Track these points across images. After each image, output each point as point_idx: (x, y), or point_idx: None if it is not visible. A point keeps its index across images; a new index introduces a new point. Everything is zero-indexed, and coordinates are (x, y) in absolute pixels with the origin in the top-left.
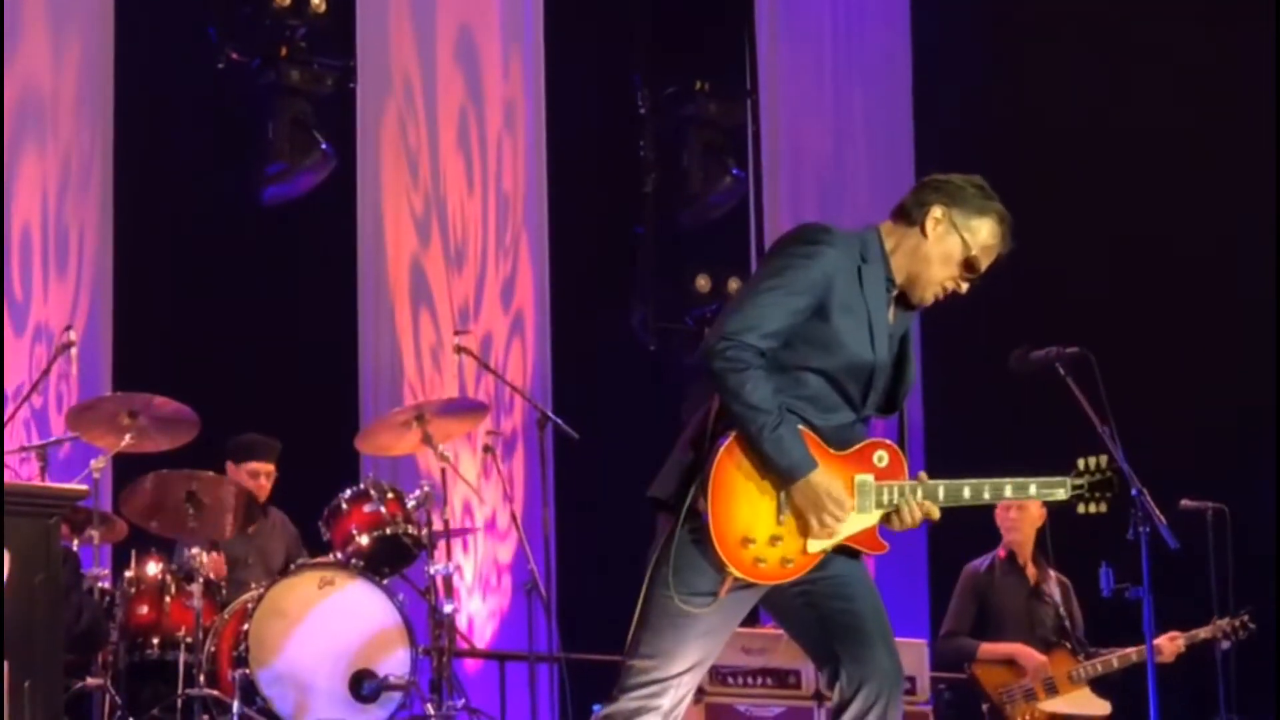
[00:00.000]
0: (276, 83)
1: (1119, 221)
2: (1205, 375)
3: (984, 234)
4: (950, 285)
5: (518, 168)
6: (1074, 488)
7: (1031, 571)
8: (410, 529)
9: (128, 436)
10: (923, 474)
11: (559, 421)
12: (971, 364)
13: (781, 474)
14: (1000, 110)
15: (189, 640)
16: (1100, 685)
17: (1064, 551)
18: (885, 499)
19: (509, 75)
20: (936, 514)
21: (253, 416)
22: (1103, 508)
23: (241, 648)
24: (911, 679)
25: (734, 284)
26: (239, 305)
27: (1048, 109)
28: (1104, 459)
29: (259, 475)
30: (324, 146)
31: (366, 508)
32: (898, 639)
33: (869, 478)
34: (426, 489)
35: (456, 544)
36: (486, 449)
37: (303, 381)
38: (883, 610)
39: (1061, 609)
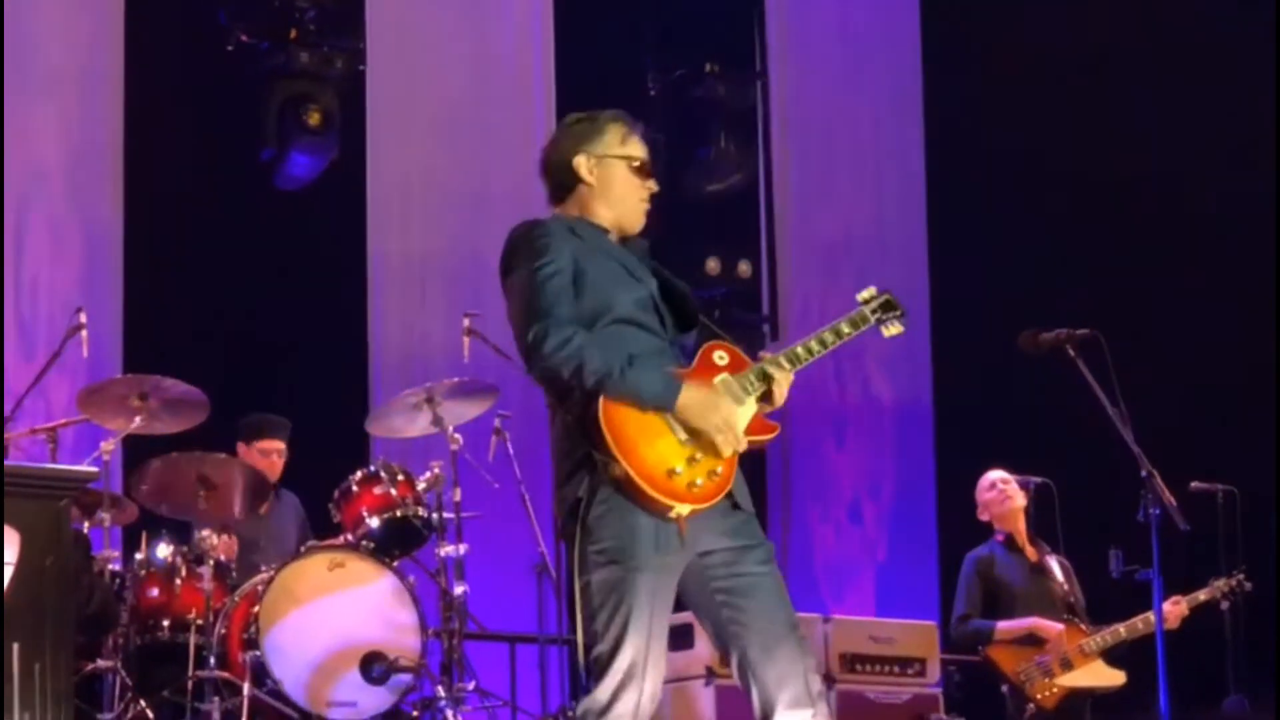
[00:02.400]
0: (285, 65)
1: (1132, 202)
2: (1216, 357)
3: (621, 142)
4: (646, 195)
5: (527, 150)
6: (871, 313)
7: (1031, 551)
8: (420, 511)
9: (138, 419)
10: (764, 353)
11: None
12: (982, 345)
13: (657, 405)
14: (1009, 89)
15: (199, 623)
16: (1111, 658)
17: (1072, 535)
18: (749, 386)
19: (519, 57)
20: (791, 377)
21: (263, 399)
22: (900, 328)
23: (252, 630)
24: (922, 661)
25: (744, 266)
26: (249, 287)
27: (1064, 88)
28: (872, 289)
29: (270, 454)
30: (312, 128)
31: (377, 490)
32: (907, 621)
33: (724, 376)
34: (437, 471)
35: (467, 526)
36: (497, 431)
37: (313, 364)
38: (786, 598)
39: (1065, 586)
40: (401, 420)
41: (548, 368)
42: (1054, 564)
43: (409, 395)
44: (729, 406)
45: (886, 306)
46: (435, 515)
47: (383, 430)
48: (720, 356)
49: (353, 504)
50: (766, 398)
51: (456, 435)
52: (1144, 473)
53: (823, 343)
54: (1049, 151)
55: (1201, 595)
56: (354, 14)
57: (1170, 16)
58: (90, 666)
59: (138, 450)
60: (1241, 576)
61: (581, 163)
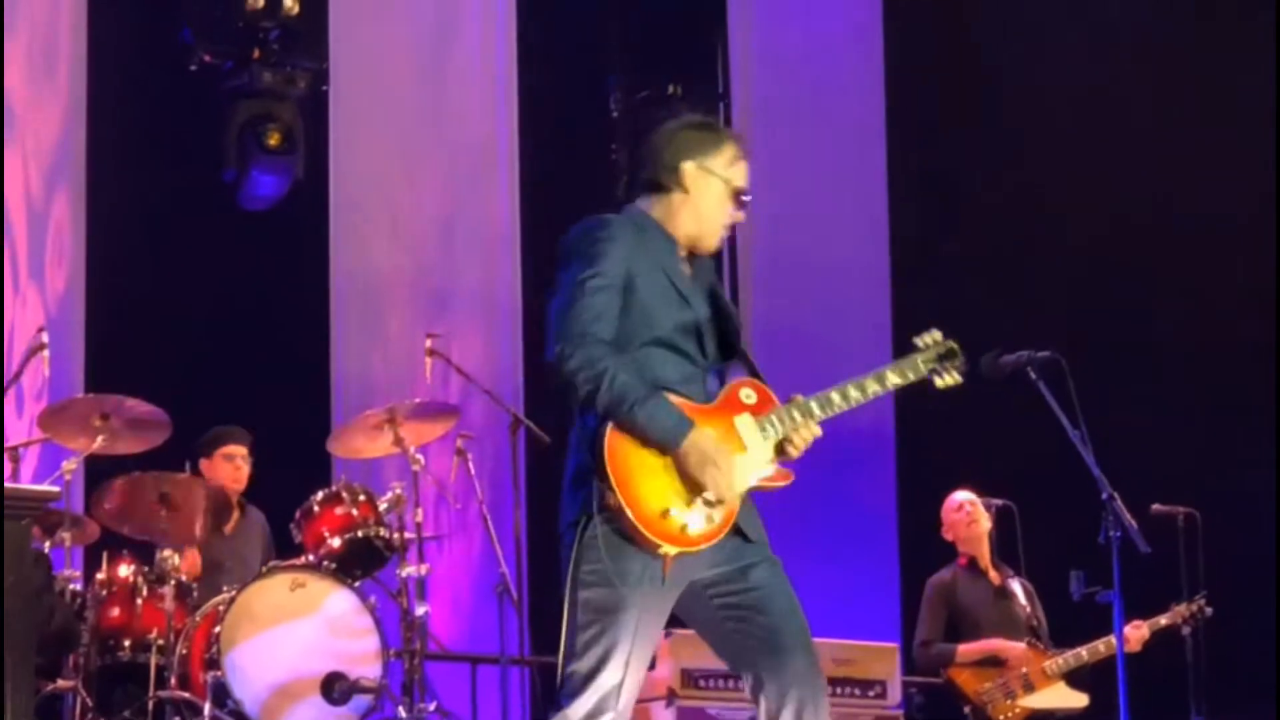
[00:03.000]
0: (248, 85)
1: (1090, 226)
2: (1177, 380)
3: (730, 163)
4: (728, 222)
5: (491, 170)
6: (925, 363)
7: (994, 574)
8: (382, 531)
9: (99, 438)
10: (796, 396)
11: (530, 425)
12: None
13: (662, 445)
14: (972, 114)
15: (160, 642)
16: (1073, 681)
17: (1034, 557)
18: (770, 430)
19: (482, 77)
20: (818, 430)
21: (225, 418)
22: (957, 379)
23: (213, 650)
24: (883, 683)
25: None
26: (212, 307)
27: (1022, 113)
28: (935, 333)
29: (234, 458)
30: (279, 152)
31: (338, 510)
32: (869, 643)
33: (746, 416)
34: (398, 491)
35: (428, 546)
36: (458, 452)
37: (275, 384)
38: (801, 615)
39: (1028, 609)
40: (363, 440)
41: (568, 383)
42: (1017, 587)
43: (371, 415)
44: (733, 459)
45: (948, 356)
46: (397, 536)
47: (344, 450)
48: (747, 394)
49: (314, 524)
50: (785, 445)
51: (418, 456)
52: (1105, 495)
53: (863, 391)
54: (1010, 176)
55: (1163, 620)
56: (317, 34)
57: (1130, 42)
58: (51, 687)
59: (99, 470)
60: (1203, 602)
61: (689, 169)
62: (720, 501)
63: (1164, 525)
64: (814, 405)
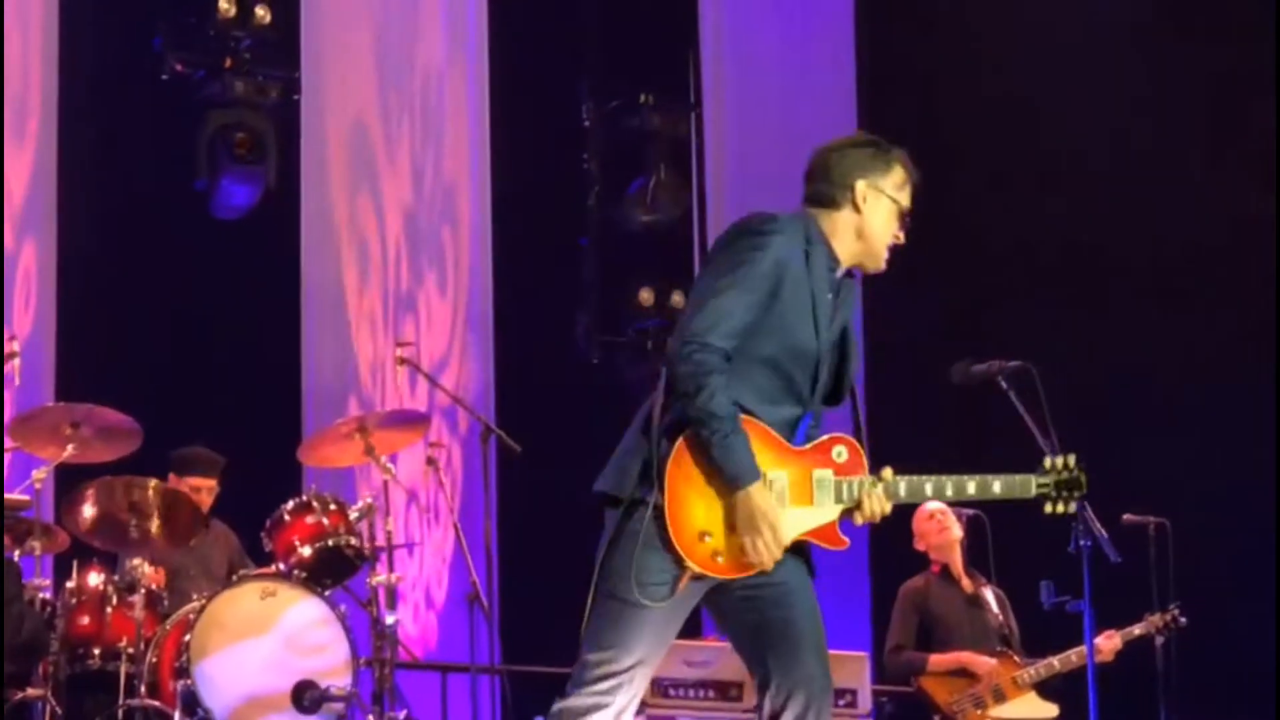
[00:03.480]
0: (220, 94)
1: (1062, 234)
2: (1149, 389)
3: (897, 184)
4: (893, 242)
5: (462, 179)
6: (1039, 485)
7: (966, 582)
8: (352, 540)
9: (70, 447)
10: (887, 470)
11: (501, 434)
12: (914, 378)
13: (726, 480)
14: (945, 122)
15: (130, 651)
16: (1045, 691)
17: (1004, 566)
18: (845, 494)
19: (453, 86)
20: (889, 508)
21: (196, 428)
22: (1070, 507)
23: (183, 658)
24: (852, 691)
25: (677, 297)
26: (183, 316)
27: (995, 122)
28: (1071, 458)
29: (200, 490)
30: (249, 161)
31: (309, 519)
32: (838, 651)
33: (828, 473)
34: (369, 500)
35: (399, 555)
36: (429, 461)
37: (246, 392)
38: (820, 621)
39: (1000, 617)
40: (334, 449)
41: (679, 372)
42: (989, 595)
43: (341, 425)
44: (782, 525)
45: (1071, 485)
46: (367, 544)
47: (315, 459)
48: (839, 452)
49: (285, 533)
50: (854, 511)
51: (389, 465)
52: (1076, 504)
53: (960, 490)
54: (983, 186)
55: (1136, 630)
56: (289, 43)
57: (1098, 52)
58: (20, 695)
59: (70, 479)
60: (1176, 611)
61: (861, 188)
62: (757, 561)
63: (1135, 535)
64: (901, 487)
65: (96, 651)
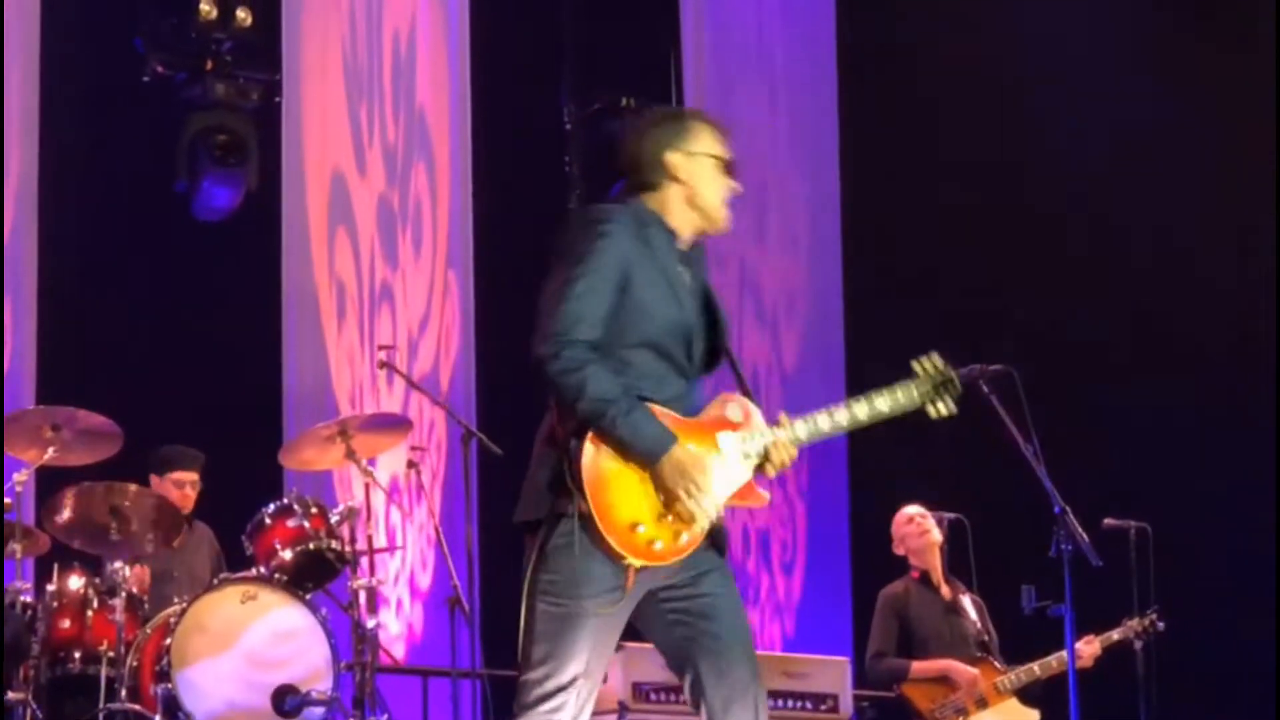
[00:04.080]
0: (201, 96)
1: (1045, 240)
2: (1130, 394)
3: (710, 141)
4: (728, 195)
5: (442, 183)
6: (920, 393)
7: (945, 589)
8: (333, 544)
9: (50, 450)
10: (783, 415)
11: (483, 437)
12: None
13: (643, 457)
14: (926, 126)
15: (111, 654)
16: (1026, 697)
17: (985, 570)
18: (751, 448)
19: (434, 90)
20: (795, 453)
21: (177, 430)
22: (952, 409)
23: (164, 662)
24: (834, 697)
25: None
26: (163, 319)
27: (974, 127)
28: (935, 358)
29: (184, 485)
30: (231, 163)
31: (290, 522)
32: (822, 657)
33: (729, 433)
34: (350, 504)
35: (380, 559)
36: (410, 464)
37: (227, 396)
38: (748, 630)
39: (979, 624)
40: (315, 453)
41: (549, 376)
42: (968, 602)
43: (322, 428)
44: (712, 479)
45: (946, 385)
46: (348, 548)
47: (296, 463)
48: (734, 411)
49: (265, 536)
50: (765, 464)
51: (370, 468)
52: (1057, 509)
53: (852, 417)
54: (966, 192)
55: (1115, 635)
56: (270, 46)
57: (1092, 44)
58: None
59: (50, 482)
60: (1154, 616)
61: (674, 160)
62: (692, 520)
63: (1115, 539)
64: (800, 430)
65: (77, 655)
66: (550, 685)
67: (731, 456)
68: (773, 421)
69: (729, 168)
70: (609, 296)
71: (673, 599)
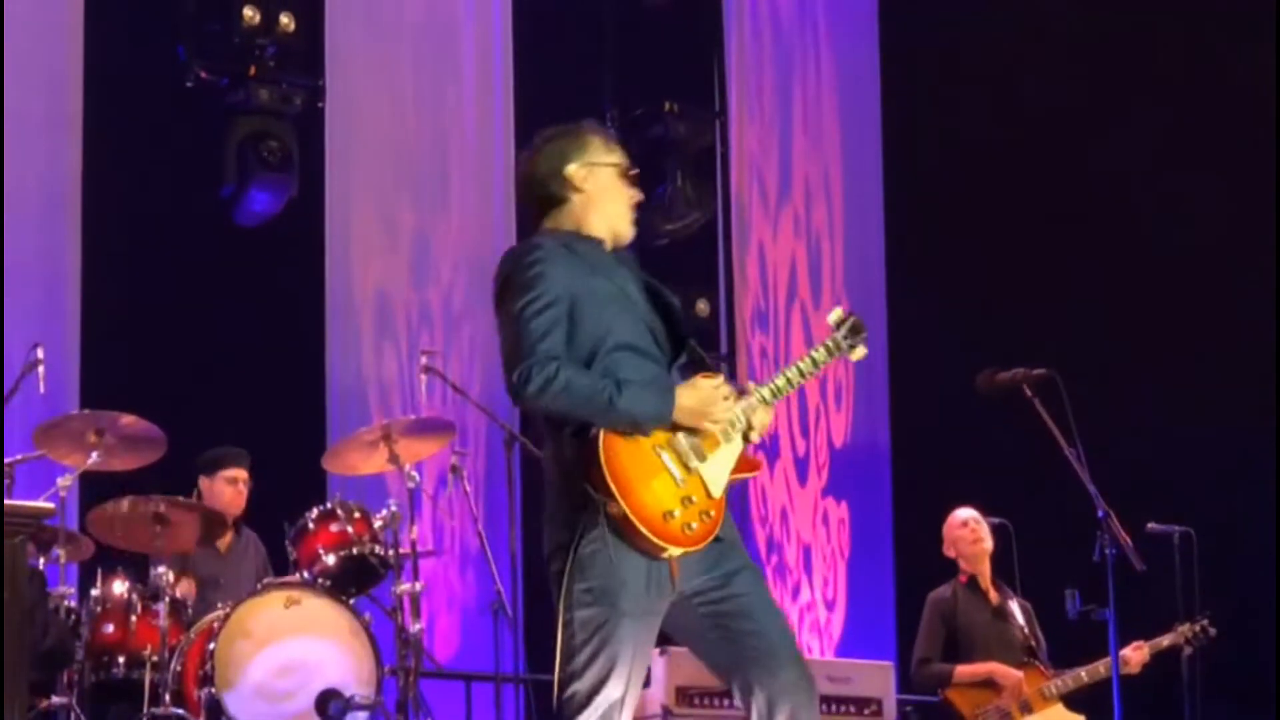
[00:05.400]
0: (244, 101)
1: (1088, 243)
2: (1173, 397)
3: (603, 150)
4: (632, 204)
5: (486, 188)
6: (843, 340)
7: (993, 594)
8: (377, 548)
9: (94, 455)
10: (749, 383)
11: (525, 441)
12: (939, 385)
13: (654, 420)
14: (969, 133)
15: (155, 659)
16: (1072, 702)
17: (1030, 575)
18: (735, 421)
19: (478, 96)
20: (771, 413)
21: (220, 435)
22: (865, 350)
23: (207, 667)
24: (878, 701)
25: (702, 305)
26: (207, 324)
27: (1020, 125)
28: (839, 310)
29: (236, 481)
30: (277, 168)
31: (333, 527)
32: (864, 661)
33: None
34: (393, 508)
35: (423, 563)
36: (454, 469)
37: (270, 400)
38: (786, 624)
39: (1026, 629)
40: (358, 457)
41: (536, 408)
42: (1015, 607)
43: (365, 432)
44: (722, 398)
45: (855, 330)
46: (392, 552)
47: (339, 467)
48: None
49: (309, 541)
50: (749, 431)
51: (413, 473)
52: (1100, 513)
53: (801, 373)
54: (1010, 193)
55: (1165, 641)
56: (313, 51)
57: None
58: (45, 703)
59: (94, 487)
60: (1206, 622)
61: (574, 172)
62: (713, 498)
63: (1159, 543)
64: (767, 393)
65: (121, 660)
66: (597, 694)
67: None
68: (741, 393)
69: (629, 176)
70: (561, 319)
71: (707, 602)
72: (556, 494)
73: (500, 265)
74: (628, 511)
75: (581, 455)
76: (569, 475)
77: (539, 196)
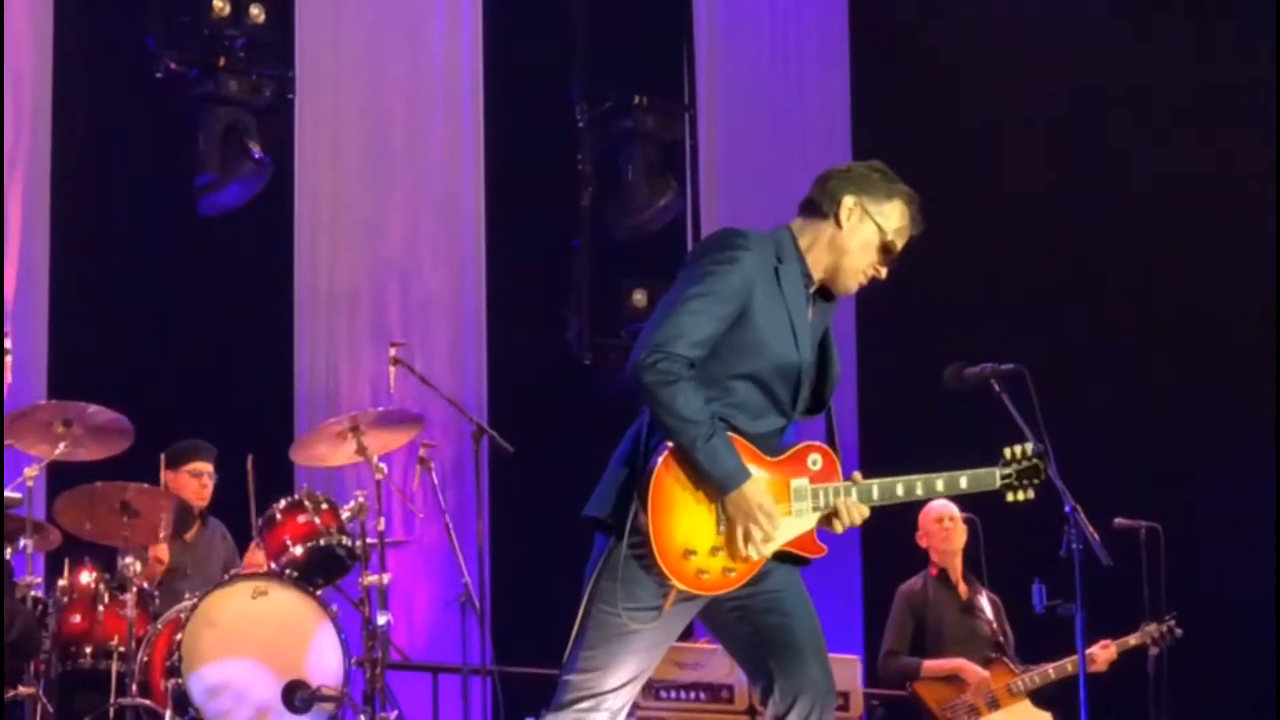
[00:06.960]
0: (214, 93)
1: (1053, 238)
2: (1140, 393)
3: (895, 217)
4: (870, 272)
5: (456, 180)
6: (1003, 477)
7: (963, 588)
8: (344, 540)
9: (62, 445)
10: (857, 474)
11: (494, 434)
12: (906, 381)
13: (715, 485)
14: (939, 127)
15: (122, 650)
16: (1039, 699)
17: (997, 569)
18: (821, 502)
19: (447, 87)
20: (867, 513)
21: (188, 426)
22: (1030, 495)
23: (174, 657)
24: (845, 695)
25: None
26: (175, 314)
27: (987, 127)
28: (1028, 446)
29: (201, 475)
30: (257, 157)
31: (300, 518)
32: (831, 655)
33: (804, 481)
34: (361, 500)
35: (390, 555)
36: (421, 461)
37: (238, 391)
38: (817, 624)
39: (995, 624)
40: (326, 449)
41: (644, 383)
42: (984, 602)
43: (333, 424)
44: (777, 521)
45: (1031, 473)
46: (359, 544)
47: (307, 459)
48: (814, 461)
49: (276, 532)
50: (831, 519)
51: (381, 464)
52: (1067, 508)
53: (930, 488)
54: (976, 195)
55: (1131, 640)
56: (283, 43)
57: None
58: (11, 694)
59: (61, 477)
60: (1173, 623)
61: (849, 203)
62: (745, 558)
63: (1126, 539)
64: (875, 491)
65: (88, 650)
66: (588, 690)
67: (800, 506)
68: (849, 477)
69: (887, 251)
70: (720, 321)
71: (736, 597)
72: (620, 464)
73: (708, 236)
74: (650, 532)
75: (649, 457)
76: (637, 457)
77: (813, 198)
